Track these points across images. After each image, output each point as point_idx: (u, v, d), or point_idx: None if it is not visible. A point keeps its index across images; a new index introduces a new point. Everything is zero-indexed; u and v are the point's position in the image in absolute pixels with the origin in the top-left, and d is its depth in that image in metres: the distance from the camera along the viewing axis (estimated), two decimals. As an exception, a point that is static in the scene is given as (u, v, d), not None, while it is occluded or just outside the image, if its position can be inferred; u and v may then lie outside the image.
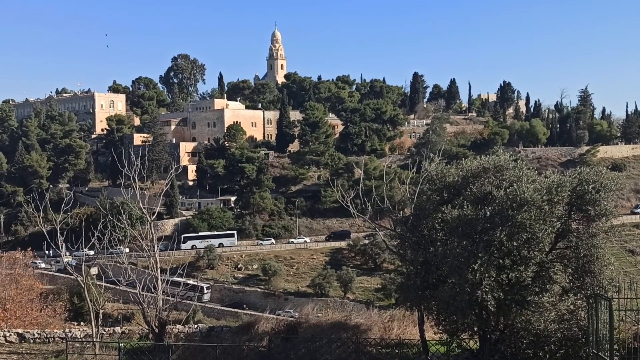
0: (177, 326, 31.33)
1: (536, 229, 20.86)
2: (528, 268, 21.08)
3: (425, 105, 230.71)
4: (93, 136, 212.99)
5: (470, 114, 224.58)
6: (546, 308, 21.56)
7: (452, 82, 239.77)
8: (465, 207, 21.97)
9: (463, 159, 24.83)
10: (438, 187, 24.00)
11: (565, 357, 21.81)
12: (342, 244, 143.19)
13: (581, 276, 22.15)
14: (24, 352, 29.81)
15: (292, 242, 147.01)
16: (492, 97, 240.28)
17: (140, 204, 29.47)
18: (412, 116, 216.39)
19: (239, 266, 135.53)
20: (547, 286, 21.61)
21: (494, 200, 21.79)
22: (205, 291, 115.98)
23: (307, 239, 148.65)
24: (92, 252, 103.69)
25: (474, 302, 21.30)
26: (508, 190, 21.36)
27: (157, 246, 29.67)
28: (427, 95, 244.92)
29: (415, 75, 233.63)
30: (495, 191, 21.73)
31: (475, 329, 22.94)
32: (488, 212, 21.77)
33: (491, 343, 22.65)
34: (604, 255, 21.77)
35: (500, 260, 21.47)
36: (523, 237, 20.98)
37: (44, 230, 33.60)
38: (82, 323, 65.70)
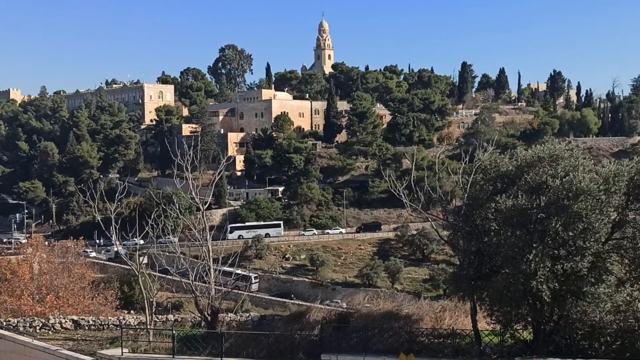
0: (229, 314, 31.70)
1: (592, 219, 20.59)
2: (584, 258, 20.84)
3: (473, 95, 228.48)
4: (142, 127, 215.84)
5: (519, 104, 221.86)
6: (602, 299, 21.30)
7: (501, 71, 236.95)
8: (520, 196, 21.78)
9: (512, 149, 24.62)
10: (491, 177, 23.82)
11: (621, 349, 21.52)
12: (390, 234, 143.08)
13: (638, 267, 21.80)
14: (79, 338, 30.44)
15: (328, 233, 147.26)
16: (542, 87, 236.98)
17: (193, 193, 29.82)
18: (460, 106, 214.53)
19: (286, 256, 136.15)
20: (603, 277, 21.35)
21: (549, 190, 21.57)
22: (254, 281, 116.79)
23: (343, 230, 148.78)
24: (142, 242, 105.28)
25: (528, 292, 21.16)
26: (564, 180, 21.11)
27: (210, 236, 29.99)
28: (476, 85, 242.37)
29: (464, 64, 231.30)
30: (551, 181, 21.49)
31: (529, 319, 22.75)
32: (543, 202, 21.53)
33: (545, 334, 22.44)
34: (663, 247, 21.38)
35: (555, 251, 21.27)
36: (579, 227, 20.73)
37: (98, 219, 34.17)
38: (132, 311, 66.85)
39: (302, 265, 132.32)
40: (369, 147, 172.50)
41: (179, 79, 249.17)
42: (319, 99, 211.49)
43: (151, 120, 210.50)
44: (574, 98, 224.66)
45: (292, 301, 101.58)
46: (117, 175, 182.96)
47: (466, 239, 23.88)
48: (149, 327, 29.32)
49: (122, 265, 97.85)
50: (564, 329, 22.24)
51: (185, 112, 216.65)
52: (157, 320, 32.44)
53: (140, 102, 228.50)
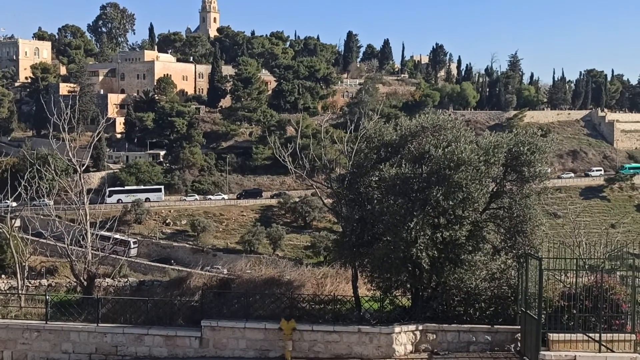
0: (107, 280, 30.89)
1: (472, 188, 21.09)
2: (462, 227, 21.36)
3: (358, 65, 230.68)
4: (16, 84, 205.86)
5: (402, 75, 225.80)
6: (478, 267, 21.98)
7: (386, 42, 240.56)
8: (403, 165, 22.02)
9: (395, 119, 24.91)
10: (376, 146, 23.99)
11: (494, 315, 22.31)
12: (273, 201, 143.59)
13: (513, 236, 22.59)
14: (-57, 303, 28.84)
15: (210, 199, 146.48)
16: (425, 59, 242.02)
17: (70, 154, 28.66)
18: (345, 75, 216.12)
19: (167, 221, 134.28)
20: (480, 245, 21.99)
21: (431, 160, 21.90)
22: (132, 246, 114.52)
23: (226, 196, 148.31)
24: (14, 204, 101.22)
25: (408, 259, 21.52)
26: (446, 150, 21.47)
27: (88, 199, 28.97)
28: (361, 55, 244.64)
29: (350, 34, 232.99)
30: (433, 150, 21.82)
31: (409, 286, 23.23)
32: (425, 171, 21.88)
33: (423, 300, 22.99)
34: (536, 216, 22.22)
35: (436, 219, 21.72)
36: (459, 196, 21.19)
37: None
38: (2, 276, 64.23)
39: (183, 231, 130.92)
40: (254, 113, 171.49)
41: (57, 36, 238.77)
42: (203, 62, 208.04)
43: (26, 78, 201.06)
44: (454, 71, 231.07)
45: (172, 267, 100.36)
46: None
47: (349, 207, 24.06)
48: (20, 291, 28.14)
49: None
50: (441, 295, 22.83)
51: (63, 70, 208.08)
52: (30, 285, 31.24)
53: (15, 58, 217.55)
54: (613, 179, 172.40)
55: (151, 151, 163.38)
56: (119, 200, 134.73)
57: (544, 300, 19.56)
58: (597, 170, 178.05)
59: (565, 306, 19.97)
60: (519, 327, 21.23)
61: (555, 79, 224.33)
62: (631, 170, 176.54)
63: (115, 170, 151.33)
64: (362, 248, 23.23)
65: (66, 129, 29.28)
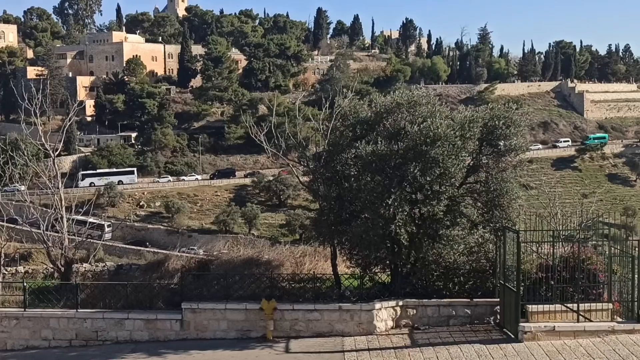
0: (84, 265, 30.71)
1: (449, 164, 21.11)
2: (440, 202, 21.40)
3: (328, 42, 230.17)
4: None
5: (373, 51, 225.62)
6: (456, 241, 22.06)
7: (356, 18, 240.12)
8: (379, 142, 21.98)
9: (367, 95, 24.80)
10: (351, 123, 23.90)
11: (473, 288, 22.49)
12: (247, 180, 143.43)
13: (490, 210, 22.69)
14: None
15: (183, 180, 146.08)
16: (395, 34, 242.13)
17: (43, 139, 28.32)
18: (315, 52, 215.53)
19: (141, 203, 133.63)
20: (458, 220, 22.09)
21: (407, 136, 21.88)
22: (107, 229, 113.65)
23: (199, 177, 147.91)
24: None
25: (387, 236, 21.56)
26: (422, 126, 21.46)
27: (62, 183, 28.68)
28: (331, 31, 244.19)
29: (319, 10, 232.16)
30: (409, 126, 21.80)
31: (388, 262, 23.31)
32: (401, 148, 21.87)
33: (403, 276, 23.08)
34: (513, 189, 22.32)
35: (413, 195, 21.73)
36: (436, 172, 21.21)
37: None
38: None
39: (157, 213, 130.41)
40: (225, 93, 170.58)
41: (23, 19, 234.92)
42: (172, 42, 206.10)
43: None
44: (425, 46, 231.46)
45: (148, 249, 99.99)
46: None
47: (327, 185, 23.99)
48: (-4, 280, 27.89)
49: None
50: (420, 270, 22.94)
51: (30, 54, 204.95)
52: (6, 272, 30.95)
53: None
54: (584, 149, 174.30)
55: (122, 133, 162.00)
56: (91, 184, 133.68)
57: (522, 273, 19.74)
58: (564, 142, 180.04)
59: (543, 278, 20.20)
60: (498, 299, 21.44)
61: (525, 51, 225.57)
62: (596, 141, 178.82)
63: (87, 154, 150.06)
64: (340, 226, 23.20)
65: (37, 114, 28.92)
